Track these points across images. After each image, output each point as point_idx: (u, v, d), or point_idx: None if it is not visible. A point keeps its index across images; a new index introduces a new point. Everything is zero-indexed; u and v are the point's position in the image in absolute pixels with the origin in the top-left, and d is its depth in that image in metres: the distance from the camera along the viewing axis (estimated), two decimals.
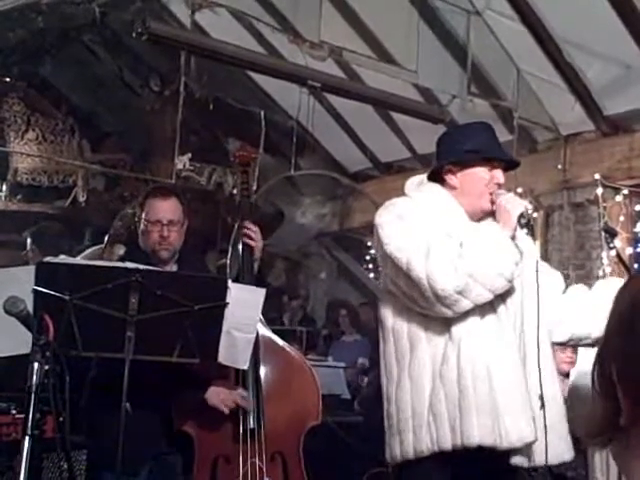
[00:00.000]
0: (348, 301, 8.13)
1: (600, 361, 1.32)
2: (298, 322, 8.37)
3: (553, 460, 2.56)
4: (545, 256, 6.58)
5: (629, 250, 6.02)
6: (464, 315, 2.49)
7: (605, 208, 6.09)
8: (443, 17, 6.08)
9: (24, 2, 6.39)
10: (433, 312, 2.50)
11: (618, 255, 4.44)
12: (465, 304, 2.46)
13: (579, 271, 6.35)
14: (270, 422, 3.03)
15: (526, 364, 2.57)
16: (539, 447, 2.51)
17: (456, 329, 2.50)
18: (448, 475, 2.50)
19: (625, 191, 6.08)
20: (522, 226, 2.56)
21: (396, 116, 7.16)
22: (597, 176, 6.11)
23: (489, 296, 2.48)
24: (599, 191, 6.10)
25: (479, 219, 2.67)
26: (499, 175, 2.65)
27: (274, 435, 3.03)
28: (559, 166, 6.48)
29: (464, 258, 2.45)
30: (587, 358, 4.65)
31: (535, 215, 6.61)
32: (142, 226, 3.16)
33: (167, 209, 3.13)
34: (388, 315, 2.65)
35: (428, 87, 6.39)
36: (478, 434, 2.42)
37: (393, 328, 2.62)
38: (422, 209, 2.61)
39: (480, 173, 2.65)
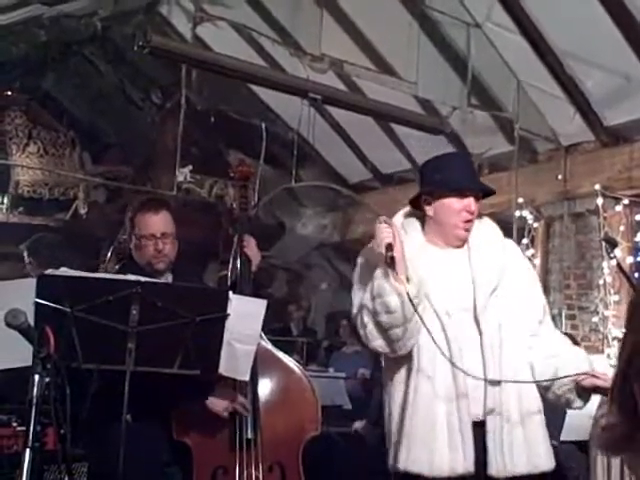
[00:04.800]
0: (349, 312, 8.12)
1: (622, 378, 1.32)
2: (300, 333, 8.36)
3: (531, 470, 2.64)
4: (546, 266, 6.59)
5: (629, 260, 6.01)
6: (418, 350, 2.64)
7: (605, 218, 6.10)
8: (443, 29, 6.10)
9: (26, 16, 6.43)
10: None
11: (619, 265, 4.45)
12: (393, 346, 2.61)
13: (580, 281, 6.35)
14: (268, 433, 3.04)
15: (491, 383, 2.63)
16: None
17: (415, 362, 2.65)
18: None
19: (625, 201, 6.08)
20: (391, 260, 2.55)
21: (396, 128, 7.18)
22: (597, 186, 6.12)
23: (400, 330, 2.57)
24: (599, 201, 6.11)
25: (456, 247, 2.78)
26: (470, 204, 2.72)
27: (272, 446, 3.03)
28: (559, 176, 6.49)
29: (365, 316, 2.65)
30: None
31: (536, 225, 6.63)
32: (134, 241, 3.17)
33: (159, 222, 3.17)
34: None
35: (428, 99, 6.41)
36: (405, 461, 2.59)
37: (383, 358, 2.84)
38: None
39: (451, 204, 2.72)
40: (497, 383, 2.63)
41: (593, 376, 2.64)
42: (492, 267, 2.74)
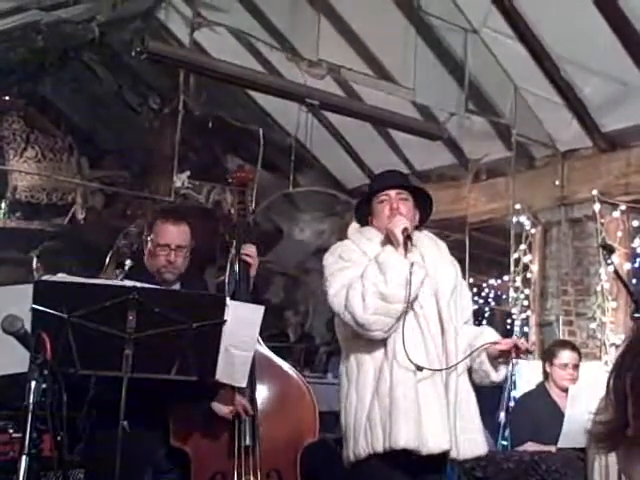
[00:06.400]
0: None
1: (617, 370, 1.34)
2: (297, 339, 8.36)
3: (470, 454, 2.92)
4: (543, 272, 6.59)
5: (627, 266, 6.01)
6: (395, 336, 2.81)
7: (603, 224, 6.10)
8: (440, 35, 6.11)
9: (24, 22, 6.43)
10: (368, 337, 2.83)
11: (616, 271, 4.46)
12: (386, 321, 2.79)
13: (577, 287, 6.35)
14: (266, 439, 3.04)
15: (449, 373, 2.88)
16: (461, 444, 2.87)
17: (390, 347, 2.83)
18: (382, 474, 2.81)
19: (622, 207, 6.08)
20: (406, 240, 2.87)
21: (394, 133, 7.18)
22: (595, 192, 6.12)
23: (401, 306, 2.79)
24: (597, 207, 6.11)
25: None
26: (391, 202, 2.99)
27: (270, 452, 3.03)
28: (557, 182, 6.49)
29: (366, 285, 2.79)
30: (588, 376, 4.67)
31: (533, 231, 6.63)
32: (150, 247, 3.19)
33: (177, 235, 3.21)
34: (340, 338, 3.02)
35: (426, 104, 6.42)
36: (404, 438, 2.72)
37: (344, 348, 3.00)
38: (360, 248, 2.98)
39: (380, 211, 3.03)
40: (455, 376, 2.90)
41: (495, 343, 2.92)
42: (449, 270, 3.06)
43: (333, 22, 6.29)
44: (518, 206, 6.51)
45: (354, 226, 3.16)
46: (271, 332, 7.32)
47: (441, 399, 2.84)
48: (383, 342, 2.84)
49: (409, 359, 2.77)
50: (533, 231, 6.62)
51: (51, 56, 7.42)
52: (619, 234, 6.07)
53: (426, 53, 6.13)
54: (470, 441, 2.89)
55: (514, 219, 6.51)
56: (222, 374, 2.72)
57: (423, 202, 3.11)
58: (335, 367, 7.19)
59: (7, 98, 8.44)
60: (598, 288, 6.05)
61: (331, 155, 8.06)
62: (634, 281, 6.04)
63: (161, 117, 8.19)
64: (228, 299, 2.75)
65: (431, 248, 3.08)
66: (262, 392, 3.15)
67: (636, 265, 6.13)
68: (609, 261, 4.27)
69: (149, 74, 8.01)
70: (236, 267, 3.28)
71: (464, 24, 5.89)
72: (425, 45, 6.12)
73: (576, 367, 4.70)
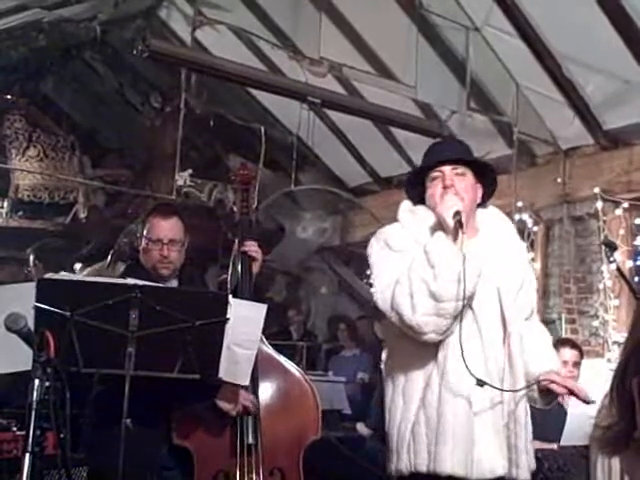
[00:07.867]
0: (347, 315, 8.13)
1: (620, 378, 1.32)
2: (299, 337, 8.36)
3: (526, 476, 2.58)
4: (545, 270, 6.59)
5: (629, 263, 6.01)
6: (450, 339, 2.49)
7: (605, 222, 6.09)
8: (442, 33, 6.11)
9: (26, 20, 6.44)
10: (420, 340, 2.51)
11: (618, 268, 4.45)
12: (439, 322, 2.45)
13: (580, 285, 6.35)
14: (269, 438, 3.04)
15: (515, 383, 2.56)
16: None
17: (442, 354, 2.51)
18: None
19: (625, 204, 6.08)
20: (457, 225, 2.49)
21: (396, 131, 7.18)
22: (597, 190, 6.12)
23: (454, 304, 2.44)
24: (599, 205, 6.11)
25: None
26: (446, 180, 2.61)
27: (273, 451, 3.03)
28: (559, 180, 6.49)
29: (414, 280, 2.46)
30: (589, 373, 4.67)
31: (535, 229, 6.62)
32: (143, 244, 3.20)
33: (168, 228, 3.18)
34: (387, 338, 2.76)
35: (427, 102, 6.42)
36: (450, 464, 2.43)
37: (391, 350, 2.72)
38: (409, 233, 2.63)
39: (430, 188, 2.65)
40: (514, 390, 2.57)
41: (551, 381, 2.59)
42: (518, 260, 2.70)
43: (335, 20, 6.29)
44: (520, 204, 6.51)
45: (405, 205, 2.74)
46: (273, 330, 7.33)
47: (497, 415, 2.52)
48: (435, 344, 2.50)
49: (470, 372, 2.40)
50: (535, 229, 6.61)
51: (53, 55, 7.44)
52: (621, 232, 6.06)
53: (428, 51, 6.13)
54: (523, 467, 2.57)
55: (516, 217, 6.50)
56: (225, 372, 2.72)
57: (485, 174, 2.69)
58: (335, 365, 7.20)
59: (9, 97, 8.45)
60: (600, 286, 6.05)
61: (333, 153, 8.06)
62: (637, 279, 6.03)
63: (163, 115, 8.20)
64: (231, 297, 2.75)
65: (497, 230, 2.69)
66: (265, 390, 3.16)
67: (638, 263, 6.12)
68: (612, 259, 4.26)
69: (150, 73, 8.02)
70: (238, 265, 3.28)
71: (466, 22, 5.89)
72: (427, 43, 6.12)
73: (577, 365, 4.69)
